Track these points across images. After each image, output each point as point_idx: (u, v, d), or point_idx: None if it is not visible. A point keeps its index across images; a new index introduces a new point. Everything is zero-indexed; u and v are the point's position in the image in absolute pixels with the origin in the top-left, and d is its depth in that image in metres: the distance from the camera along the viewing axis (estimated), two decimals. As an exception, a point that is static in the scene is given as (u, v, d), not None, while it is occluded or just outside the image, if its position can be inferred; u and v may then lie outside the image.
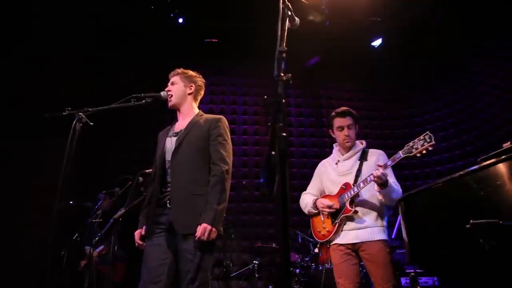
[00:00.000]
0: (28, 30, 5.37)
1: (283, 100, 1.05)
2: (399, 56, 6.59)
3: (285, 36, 1.39)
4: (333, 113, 3.11)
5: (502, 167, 1.54)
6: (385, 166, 2.59)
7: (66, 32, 5.48)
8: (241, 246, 5.82)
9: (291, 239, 5.11)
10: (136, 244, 2.47)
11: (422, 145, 2.48)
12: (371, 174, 2.62)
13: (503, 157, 1.55)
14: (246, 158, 6.46)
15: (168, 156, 2.49)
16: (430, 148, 2.46)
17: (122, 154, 5.89)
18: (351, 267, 2.73)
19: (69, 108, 2.33)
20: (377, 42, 6.51)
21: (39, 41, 5.38)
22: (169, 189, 2.42)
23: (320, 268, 4.20)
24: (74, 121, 2.27)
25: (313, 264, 4.32)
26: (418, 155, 2.50)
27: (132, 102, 2.44)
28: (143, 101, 2.47)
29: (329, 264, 4.21)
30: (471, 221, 1.49)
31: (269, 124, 1.04)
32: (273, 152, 0.95)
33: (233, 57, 6.63)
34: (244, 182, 5.85)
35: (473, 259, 1.63)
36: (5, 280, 4.80)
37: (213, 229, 2.26)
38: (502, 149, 1.78)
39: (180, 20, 6.00)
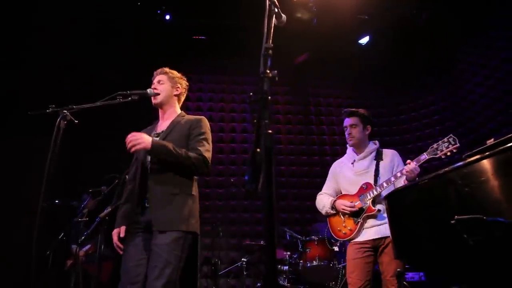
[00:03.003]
0: (14, 27, 5.26)
1: (269, 97, 1.04)
2: (386, 54, 6.63)
3: (272, 33, 1.38)
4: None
5: (486, 164, 1.56)
6: (418, 161, 2.67)
7: (52, 29, 5.38)
8: (229, 244, 5.82)
9: (279, 237, 5.13)
10: (114, 244, 2.44)
11: (447, 147, 2.60)
12: (403, 169, 2.69)
13: (487, 153, 1.57)
14: (235, 156, 6.44)
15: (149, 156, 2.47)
16: (454, 151, 2.56)
17: (109, 153, 5.81)
18: (365, 265, 2.80)
19: (53, 106, 2.29)
20: (364, 40, 6.54)
21: (24, 38, 5.28)
22: (148, 189, 2.40)
23: (308, 265, 4.22)
24: (58, 119, 2.24)
25: (301, 261, 4.34)
26: (443, 157, 2.60)
27: (118, 99, 2.42)
28: (129, 98, 2.45)
29: (317, 261, 4.24)
30: (456, 217, 1.51)
31: (254, 121, 1.04)
32: (258, 150, 0.94)
33: (221, 55, 6.59)
34: (232, 180, 5.83)
35: (458, 254, 1.65)
36: (-11, 281, 4.71)
37: (148, 142, 2.27)
38: (486, 145, 1.81)
39: (167, 17, 5.94)
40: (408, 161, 2.70)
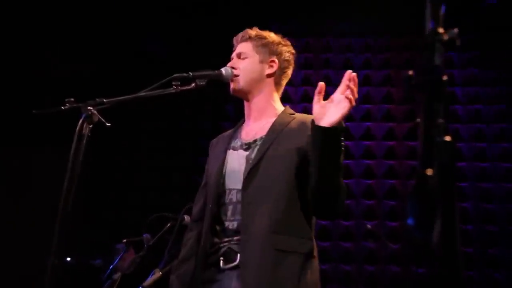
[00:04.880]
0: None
1: (445, 78, 1.04)
2: None
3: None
4: None
5: None
6: None
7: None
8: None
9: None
10: None
11: None
12: None
13: None
14: (371, 181, 6.41)
15: (233, 183, 2.51)
16: None
17: (154, 176, 6.19)
18: None
19: (72, 99, 2.31)
20: None
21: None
22: (226, 239, 2.44)
23: None
24: (80, 121, 2.28)
25: None
26: None
27: (174, 87, 2.42)
28: (192, 84, 2.48)
29: None
30: None
31: (417, 120, 1.04)
32: (428, 172, 0.95)
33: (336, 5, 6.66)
34: (368, 226, 5.82)
35: None
36: None
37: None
38: None
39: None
40: None
